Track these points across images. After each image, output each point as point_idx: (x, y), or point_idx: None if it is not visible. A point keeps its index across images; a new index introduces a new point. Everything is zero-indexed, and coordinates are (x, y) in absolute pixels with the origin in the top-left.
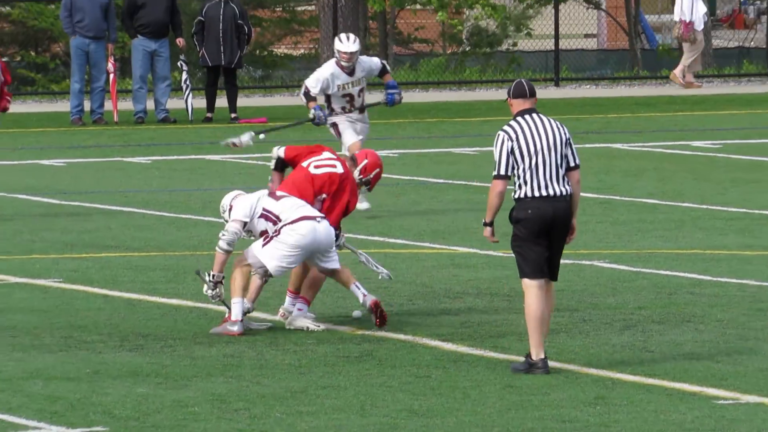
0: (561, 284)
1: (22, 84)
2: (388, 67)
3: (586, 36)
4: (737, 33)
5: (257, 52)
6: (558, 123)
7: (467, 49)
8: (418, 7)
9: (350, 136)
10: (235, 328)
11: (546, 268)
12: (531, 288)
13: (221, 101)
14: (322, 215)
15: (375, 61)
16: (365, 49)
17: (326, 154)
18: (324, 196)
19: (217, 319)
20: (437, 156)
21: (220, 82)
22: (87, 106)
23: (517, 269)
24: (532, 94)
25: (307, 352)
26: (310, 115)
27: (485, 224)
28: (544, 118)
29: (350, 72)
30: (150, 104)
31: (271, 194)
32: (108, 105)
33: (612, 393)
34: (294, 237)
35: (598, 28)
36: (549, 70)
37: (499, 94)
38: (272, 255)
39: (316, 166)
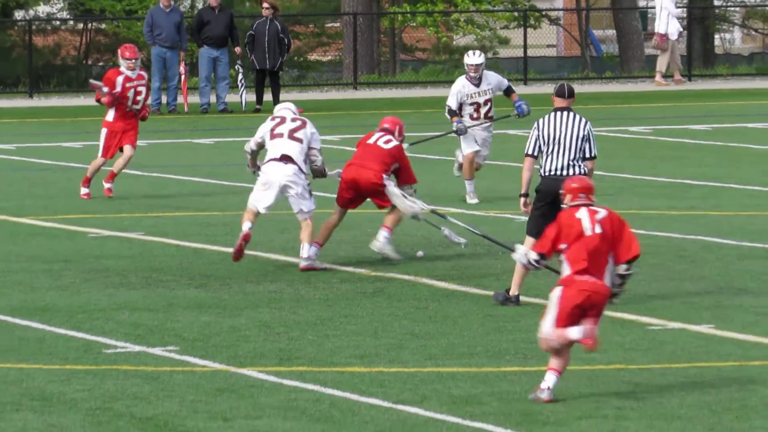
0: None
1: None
2: (513, 88)
3: (548, 46)
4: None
5: (295, 58)
6: (582, 122)
7: (457, 57)
8: (413, 24)
9: (469, 146)
10: (245, 230)
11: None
12: (527, 242)
13: (267, 96)
14: (282, 157)
15: (504, 80)
16: (378, 56)
17: (378, 133)
18: (397, 165)
19: (263, 263)
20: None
21: (266, 81)
22: (163, 99)
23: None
24: (570, 95)
25: (333, 288)
26: (454, 128)
27: (520, 195)
28: (571, 116)
29: (477, 83)
30: (212, 98)
31: (271, 131)
32: (180, 99)
33: None
34: (262, 177)
35: (557, 40)
36: (520, 72)
37: None
38: (254, 195)
39: (386, 142)
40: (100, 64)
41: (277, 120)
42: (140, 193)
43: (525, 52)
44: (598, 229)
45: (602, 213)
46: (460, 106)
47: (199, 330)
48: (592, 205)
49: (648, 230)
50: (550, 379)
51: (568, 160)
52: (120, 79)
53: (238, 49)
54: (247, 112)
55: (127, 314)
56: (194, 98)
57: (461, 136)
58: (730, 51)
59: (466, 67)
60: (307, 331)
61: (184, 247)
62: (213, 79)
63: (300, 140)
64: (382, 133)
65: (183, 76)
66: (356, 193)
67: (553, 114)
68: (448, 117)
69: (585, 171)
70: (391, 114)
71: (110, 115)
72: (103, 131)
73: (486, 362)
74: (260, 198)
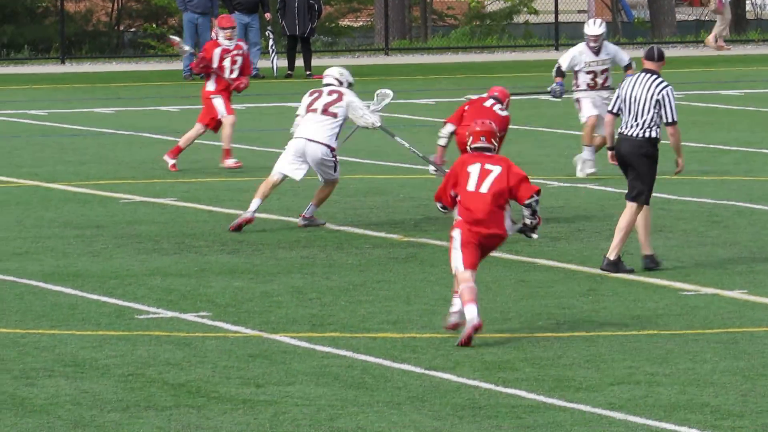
0: (560, 201)
1: (148, 48)
2: (634, 65)
3: (579, 11)
4: (695, 9)
5: (327, 23)
6: (659, 86)
7: (488, 22)
8: None
9: (588, 110)
10: (247, 215)
11: (631, 191)
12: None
13: (299, 62)
14: (311, 138)
15: (624, 55)
16: (409, 22)
17: (491, 100)
18: (503, 134)
19: (295, 229)
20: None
21: (298, 47)
22: None
23: None
24: (660, 58)
25: (365, 254)
26: (548, 88)
27: (608, 149)
28: (650, 79)
29: (596, 52)
30: None
31: (308, 106)
32: None
33: (601, 286)
34: (290, 149)
35: (588, 5)
36: (551, 38)
37: (513, 56)
38: (279, 161)
39: (501, 109)
40: (132, 29)
41: (315, 95)
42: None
43: (556, 17)
44: (484, 189)
45: (496, 171)
46: (576, 73)
47: (231, 296)
48: (490, 155)
49: (680, 195)
50: (456, 306)
51: (639, 121)
52: (217, 52)
53: (268, 15)
54: (279, 78)
55: (160, 280)
56: None
57: (581, 101)
58: (762, 16)
59: (585, 37)
60: (340, 297)
61: (216, 212)
62: None
63: (334, 114)
64: (493, 101)
65: None
66: None
67: (637, 76)
68: (554, 74)
69: (656, 135)
70: (422, 79)
71: (211, 86)
72: (215, 98)
73: (519, 328)
74: (283, 168)
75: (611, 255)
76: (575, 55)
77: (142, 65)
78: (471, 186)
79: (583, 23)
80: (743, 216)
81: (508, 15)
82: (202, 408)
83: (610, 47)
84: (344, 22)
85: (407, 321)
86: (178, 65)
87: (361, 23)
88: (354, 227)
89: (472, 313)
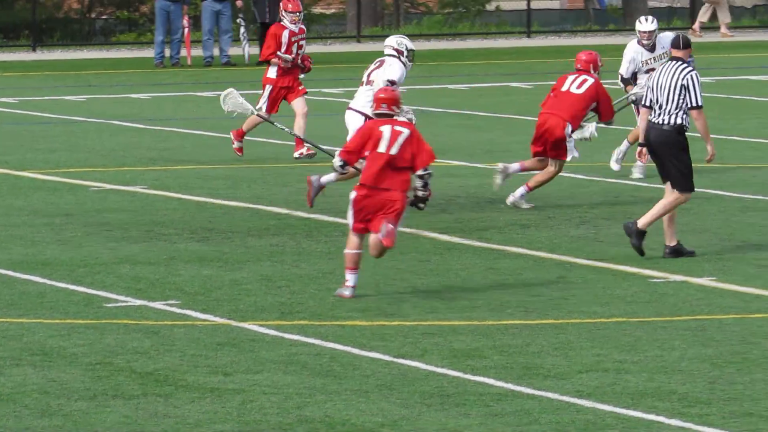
0: None
1: (119, 34)
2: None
3: None
4: None
5: None
6: (684, 72)
7: (461, 10)
8: None
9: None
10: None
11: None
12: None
13: None
14: (350, 107)
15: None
16: (381, 9)
17: (571, 77)
18: (595, 104)
19: (265, 217)
20: (436, 91)
21: None
22: (167, 53)
23: None
24: (685, 46)
25: (335, 242)
26: (632, 98)
27: (639, 144)
28: (675, 66)
29: (650, 48)
30: (215, 51)
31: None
32: (183, 52)
33: (570, 274)
34: None
35: None
36: (523, 25)
37: (485, 43)
38: None
39: (579, 86)
40: (104, 17)
41: (371, 66)
42: (142, 145)
43: (528, 4)
44: (394, 150)
45: (405, 133)
46: (634, 74)
47: (200, 284)
48: (396, 121)
49: (651, 183)
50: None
51: (667, 107)
52: (285, 36)
53: (239, 3)
54: (250, 65)
55: (128, 268)
56: (197, 51)
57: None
58: (734, 3)
59: (638, 34)
60: (309, 285)
61: (186, 200)
62: (216, 33)
63: (372, 82)
64: (575, 75)
65: (186, 30)
66: (543, 139)
67: (665, 64)
68: (622, 85)
69: (682, 122)
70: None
71: (272, 72)
72: (268, 87)
73: (487, 315)
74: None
75: (670, 242)
76: (633, 57)
77: (113, 53)
78: (382, 147)
79: (555, 10)
80: (713, 203)
81: (481, 2)
82: (169, 396)
83: (664, 40)
84: (316, 10)
85: (376, 309)
86: (149, 53)
87: (333, 10)
88: (324, 215)
89: (351, 281)
